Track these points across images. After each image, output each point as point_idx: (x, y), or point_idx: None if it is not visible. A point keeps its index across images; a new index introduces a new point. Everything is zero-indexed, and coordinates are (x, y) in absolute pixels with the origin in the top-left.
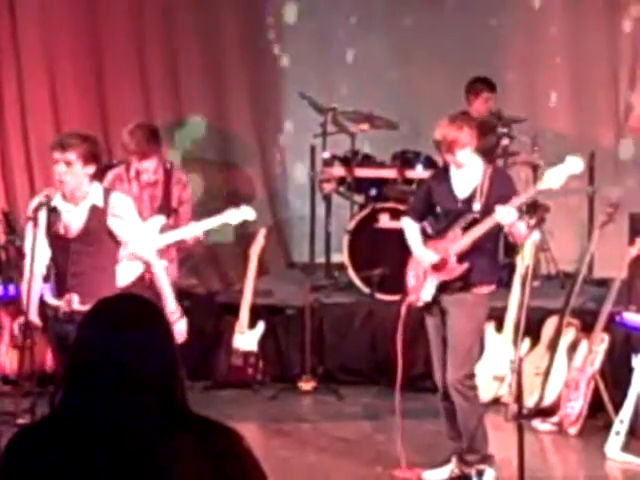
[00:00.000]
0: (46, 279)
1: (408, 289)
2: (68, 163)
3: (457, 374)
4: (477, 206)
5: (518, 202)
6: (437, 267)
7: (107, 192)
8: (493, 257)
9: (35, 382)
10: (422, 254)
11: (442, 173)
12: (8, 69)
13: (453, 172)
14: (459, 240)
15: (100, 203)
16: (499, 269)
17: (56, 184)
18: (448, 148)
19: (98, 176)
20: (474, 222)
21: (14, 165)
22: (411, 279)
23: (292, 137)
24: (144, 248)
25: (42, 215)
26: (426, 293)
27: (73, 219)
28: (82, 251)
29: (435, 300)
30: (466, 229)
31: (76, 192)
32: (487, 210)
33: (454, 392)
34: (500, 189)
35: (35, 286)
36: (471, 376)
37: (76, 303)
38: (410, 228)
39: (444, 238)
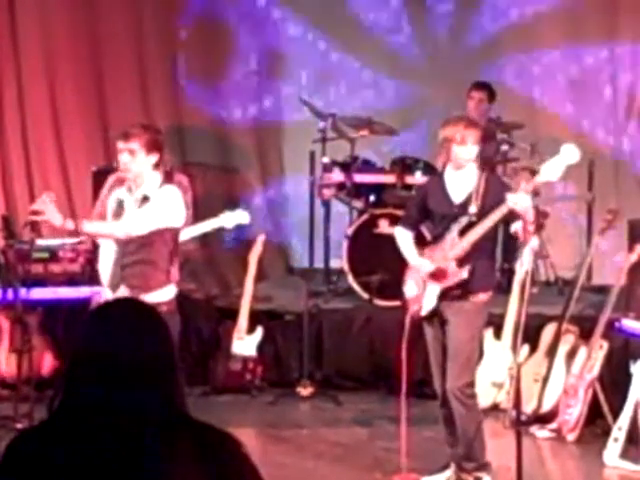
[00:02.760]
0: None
1: (408, 299)
2: (131, 152)
3: (457, 382)
4: (473, 208)
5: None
6: (437, 276)
7: (163, 183)
8: (491, 263)
9: (33, 386)
10: (418, 263)
11: (437, 179)
12: (8, 74)
13: (448, 177)
14: (458, 244)
15: (151, 194)
16: (495, 275)
17: (121, 173)
18: (462, 140)
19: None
20: (470, 225)
21: (13, 169)
22: (411, 288)
23: (291, 142)
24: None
25: (110, 204)
26: (428, 302)
27: (128, 209)
28: (134, 242)
29: (435, 309)
30: (463, 233)
31: (138, 180)
32: (483, 213)
33: (453, 400)
34: (496, 193)
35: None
36: (471, 384)
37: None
38: (402, 237)
39: (442, 244)
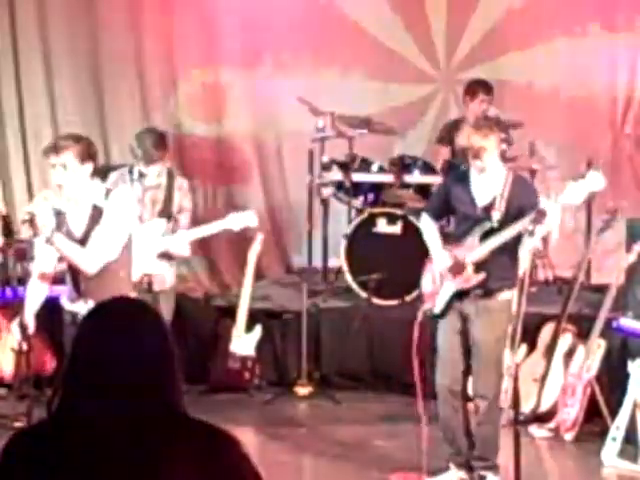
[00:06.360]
0: (63, 282)
1: (424, 295)
2: (65, 166)
3: (486, 383)
4: (497, 215)
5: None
6: (455, 273)
7: (109, 190)
8: (511, 261)
9: (32, 385)
10: (439, 255)
11: (462, 176)
12: (7, 73)
13: (474, 177)
14: (477, 249)
15: (101, 203)
16: (517, 272)
17: (56, 189)
18: (475, 154)
19: (100, 176)
20: (491, 231)
21: (12, 168)
22: (427, 284)
23: (290, 141)
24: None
25: (49, 217)
26: (442, 300)
27: (76, 220)
28: None
29: (451, 305)
30: (484, 238)
31: (78, 194)
32: (506, 220)
33: (480, 400)
34: (520, 199)
35: (32, 288)
36: (499, 383)
37: None
38: (428, 226)
39: (462, 244)
